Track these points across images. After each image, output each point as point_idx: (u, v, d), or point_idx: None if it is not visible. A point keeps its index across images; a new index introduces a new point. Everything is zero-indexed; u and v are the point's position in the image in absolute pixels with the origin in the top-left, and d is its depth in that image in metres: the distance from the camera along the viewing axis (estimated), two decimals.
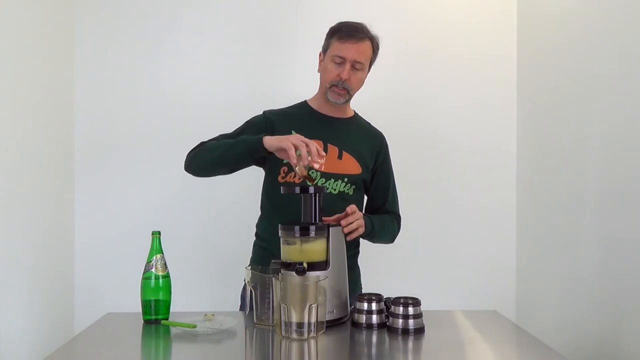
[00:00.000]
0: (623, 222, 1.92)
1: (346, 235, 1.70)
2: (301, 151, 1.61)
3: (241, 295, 2.00)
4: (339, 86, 1.86)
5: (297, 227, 1.59)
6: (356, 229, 1.73)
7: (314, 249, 1.59)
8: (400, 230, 2.75)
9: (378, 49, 1.91)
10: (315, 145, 1.63)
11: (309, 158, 1.61)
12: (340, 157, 1.89)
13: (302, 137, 1.65)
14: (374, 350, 1.53)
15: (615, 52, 1.99)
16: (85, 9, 2.72)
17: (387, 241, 2.01)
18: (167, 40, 2.75)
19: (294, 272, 1.54)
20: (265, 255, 1.89)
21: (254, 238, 2.01)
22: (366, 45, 1.86)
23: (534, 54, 2.66)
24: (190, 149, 1.89)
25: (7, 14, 2.15)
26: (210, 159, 1.81)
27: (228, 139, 1.85)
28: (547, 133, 2.50)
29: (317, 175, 1.84)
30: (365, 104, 2.76)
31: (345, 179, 1.88)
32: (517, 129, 2.80)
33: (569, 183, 2.29)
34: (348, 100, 1.93)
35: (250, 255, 2.00)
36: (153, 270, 1.67)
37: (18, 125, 2.22)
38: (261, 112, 1.97)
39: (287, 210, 1.79)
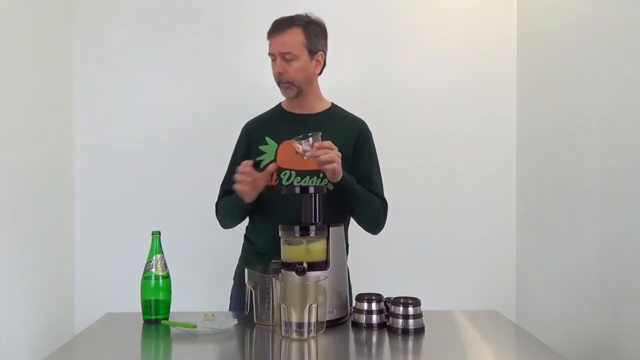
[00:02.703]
0: (623, 222, 1.92)
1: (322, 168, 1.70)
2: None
3: (230, 295, 2.02)
4: (282, 80, 1.87)
5: (297, 227, 1.59)
6: (331, 162, 1.68)
7: (314, 249, 1.59)
8: (399, 227, 2.74)
9: (317, 34, 1.88)
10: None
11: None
12: None
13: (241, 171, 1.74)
14: (374, 350, 1.53)
15: (616, 51, 1.99)
16: (85, 15, 2.72)
17: (370, 219, 1.92)
18: (167, 44, 2.75)
19: (294, 272, 1.54)
20: (250, 255, 1.94)
21: (243, 240, 2.03)
22: (291, 34, 1.84)
23: (534, 51, 2.66)
24: (215, 209, 2.01)
25: (5, 18, 2.15)
26: (225, 223, 1.98)
27: (228, 190, 1.94)
28: (547, 132, 2.50)
29: (290, 175, 1.86)
30: (365, 102, 2.78)
31: (321, 174, 1.85)
32: (517, 129, 2.80)
33: (569, 183, 2.29)
34: (300, 92, 1.89)
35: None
36: (153, 270, 1.67)
37: (18, 127, 2.22)
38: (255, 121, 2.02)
39: (270, 211, 1.84)
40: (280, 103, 2.01)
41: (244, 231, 2.06)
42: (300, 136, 1.68)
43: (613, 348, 1.95)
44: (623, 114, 1.94)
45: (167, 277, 1.68)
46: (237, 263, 2.04)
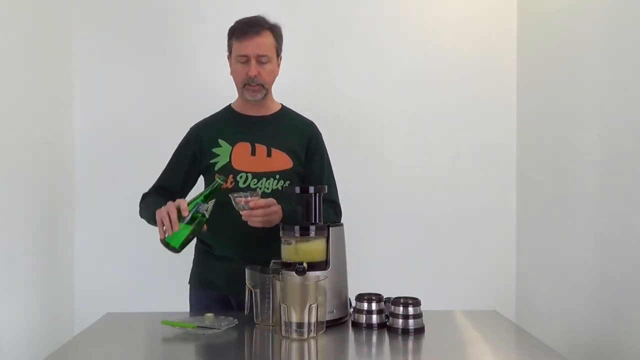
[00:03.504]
0: (622, 222, 1.92)
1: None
2: (164, 224, 1.61)
3: (189, 301, 1.96)
4: (252, 83, 1.85)
5: (297, 227, 1.59)
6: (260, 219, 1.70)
7: (314, 249, 1.59)
8: (399, 227, 2.75)
9: (281, 37, 1.90)
10: (170, 214, 1.61)
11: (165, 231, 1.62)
12: (269, 154, 1.88)
13: (165, 209, 1.62)
14: (374, 350, 1.53)
15: (614, 51, 1.99)
16: (84, 10, 2.72)
17: None
18: (166, 40, 2.75)
19: (294, 272, 1.54)
20: (209, 258, 1.91)
21: (195, 241, 1.97)
22: (265, 36, 1.84)
23: (534, 53, 2.66)
24: (140, 200, 1.93)
25: (4, 18, 2.15)
26: (148, 220, 1.84)
27: (161, 188, 1.93)
28: (547, 133, 2.50)
29: (247, 177, 1.84)
30: (364, 102, 2.78)
31: (277, 176, 1.86)
32: (517, 129, 2.80)
33: (569, 183, 2.29)
34: (266, 94, 1.90)
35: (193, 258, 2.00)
36: (203, 211, 1.64)
37: (18, 126, 2.22)
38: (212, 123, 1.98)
39: (226, 212, 1.79)
40: (230, 105, 2.00)
41: None
42: (241, 193, 1.70)
43: (613, 348, 1.95)
44: (622, 114, 1.94)
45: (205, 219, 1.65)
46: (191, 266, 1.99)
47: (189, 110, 2.72)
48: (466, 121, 2.80)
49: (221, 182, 1.68)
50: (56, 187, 2.57)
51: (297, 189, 1.65)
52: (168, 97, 2.75)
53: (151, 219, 1.76)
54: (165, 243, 1.62)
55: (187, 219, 1.62)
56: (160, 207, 1.66)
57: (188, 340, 1.51)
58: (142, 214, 1.90)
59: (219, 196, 1.67)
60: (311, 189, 1.63)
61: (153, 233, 2.70)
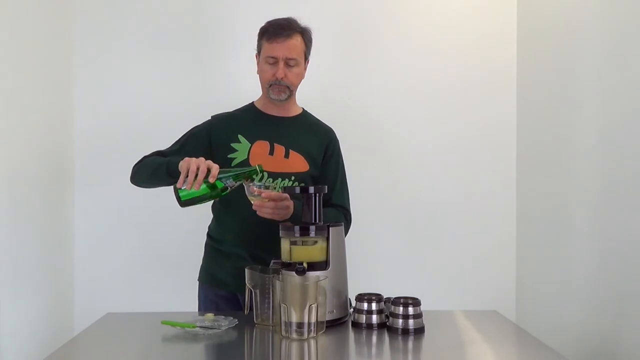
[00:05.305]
0: (622, 222, 1.92)
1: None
2: (189, 177, 1.60)
3: (198, 297, 1.97)
4: (280, 84, 1.87)
5: (297, 227, 1.59)
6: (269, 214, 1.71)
7: (314, 248, 1.59)
8: (399, 227, 2.75)
9: (311, 41, 1.92)
10: (200, 172, 1.59)
11: (184, 184, 1.60)
12: (287, 156, 1.90)
13: (197, 162, 1.61)
14: (374, 350, 1.53)
15: (614, 53, 1.99)
16: (84, 15, 2.72)
17: None
18: (167, 44, 2.75)
19: (294, 272, 1.54)
20: (218, 255, 1.93)
21: (206, 238, 2.01)
22: (296, 40, 1.86)
23: (534, 53, 2.66)
24: (136, 162, 1.90)
25: (5, 17, 2.15)
26: (144, 177, 1.85)
27: (162, 156, 1.87)
28: (547, 133, 2.50)
29: (262, 175, 1.83)
30: (362, 102, 2.78)
31: (293, 177, 1.88)
32: (517, 129, 2.80)
33: (569, 183, 2.29)
34: (290, 96, 1.92)
35: (203, 255, 2.00)
36: (256, 192, 1.66)
37: (18, 127, 2.22)
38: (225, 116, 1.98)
39: (238, 210, 1.82)
40: (252, 102, 2.00)
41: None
42: (256, 183, 1.70)
43: (612, 348, 1.95)
44: (621, 116, 1.94)
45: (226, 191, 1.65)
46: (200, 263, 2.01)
47: (190, 112, 2.73)
48: (466, 121, 2.80)
49: (260, 170, 1.68)
50: (56, 187, 2.57)
51: (297, 189, 1.65)
52: (168, 97, 2.74)
53: (154, 176, 1.78)
54: (176, 190, 1.63)
55: (210, 183, 1.62)
56: (173, 164, 1.68)
57: (188, 340, 1.51)
58: (139, 171, 1.86)
59: (237, 191, 1.67)
60: (311, 189, 1.63)
61: (153, 233, 2.71)
